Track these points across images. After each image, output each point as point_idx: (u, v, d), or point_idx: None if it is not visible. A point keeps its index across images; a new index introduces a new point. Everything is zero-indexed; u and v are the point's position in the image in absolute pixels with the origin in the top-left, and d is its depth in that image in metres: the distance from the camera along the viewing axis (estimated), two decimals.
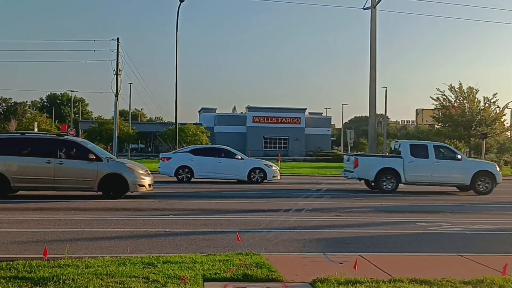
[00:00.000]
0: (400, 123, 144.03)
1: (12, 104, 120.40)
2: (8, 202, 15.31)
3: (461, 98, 63.86)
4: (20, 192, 16.63)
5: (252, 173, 25.08)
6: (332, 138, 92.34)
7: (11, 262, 7.07)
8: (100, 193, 16.56)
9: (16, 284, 6.13)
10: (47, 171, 16.35)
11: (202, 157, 25.22)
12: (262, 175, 25.15)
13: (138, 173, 16.97)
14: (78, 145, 17.40)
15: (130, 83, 72.61)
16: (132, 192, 16.81)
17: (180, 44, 37.29)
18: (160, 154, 29.05)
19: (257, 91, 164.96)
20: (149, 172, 17.91)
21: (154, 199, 16.52)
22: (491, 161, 52.92)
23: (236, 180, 25.33)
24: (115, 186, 16.58)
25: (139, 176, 16.89)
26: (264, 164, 25.92)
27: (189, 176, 24.93)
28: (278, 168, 26.60)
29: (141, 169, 17.51)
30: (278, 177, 25.86)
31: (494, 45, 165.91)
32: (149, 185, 17.22)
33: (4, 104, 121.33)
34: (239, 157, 25.61)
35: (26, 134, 18.77)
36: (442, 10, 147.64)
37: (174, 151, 28.34)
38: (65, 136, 18.63)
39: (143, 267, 7.00)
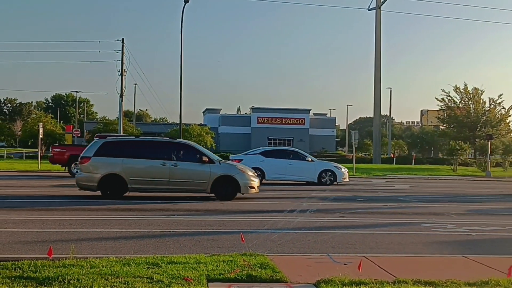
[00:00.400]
0: (405, 124, 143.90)
1: (18, 104, 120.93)
2: (14, 202, 15.37)
3: (466, 99, 63.79)
4: (25, 193, 16.68)
5: (322, 175, 25.33)
6: (336, 139, 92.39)
7: (16, 262, 7.09)
8: (212, 195, 16.90)
9: (21, 283, 6.15)
10: (162, 173, 16.62)
11: (273, 159, 25.55)
12: (332, 177, 25.38)
13: (248, 175, 17.28)
14: (191, 147, 17.70)
15: (135, 84, 73.15)
16: (243, 193, 17.13)
17: (184, 45, 37.33)
18: (231, 156, 29.20)
19: (262, 92, 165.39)
20: (256, 174, 18.27)
21: (157, 199, 16.53)
22: (497, 162, 52.73)
23: (305, 182, 25.55)
24: (227, 188, 16.91)
25: (249, 178, 17.21)
26: (334, 166, 26.16)
27: (261, 177, 24.90)
28: (347, 170, 26.78)
29: (250, 171, 17.83)
30: (347, 179, 26.08)
31: (498, 45, 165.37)
32: (258, 187, 17.52)
33: (9, 105, 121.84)
34: (309, 159, 25.93)
35: (140, 137, 19.08)
36: (446, 10, 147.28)
37: (245, 153, 28.41)
38: (178, 139, 18.88)
39: (148, 267, 7.02)
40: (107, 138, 18.14)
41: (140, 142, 18.00)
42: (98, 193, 16.42)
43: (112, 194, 16.32)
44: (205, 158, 16.93)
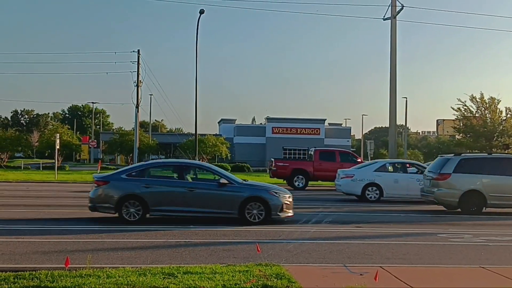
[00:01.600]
0: (420, 133, 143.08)
1: (35, 116, 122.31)
2: (31, 212, 15.50)
3: (483, 108, 63.29)
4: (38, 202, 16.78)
5: None
6: (352, 149, 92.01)
7: (34, 272, 7.16)
8: None
9: None
10: None
11: None
12: None
13: None
14: None
15: (151, 95, 73.32)
16: None
17: (199, 55, 37.48)
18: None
19: (276, 102, 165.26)
20: None
21: None
22: None
23: None
24: None
25: None
26: None
27: None
28: None
29: None
30: None
31: None
32: None
33: (26, 116, 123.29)
34: None
35: (493, 154, 19.57)
36: (459, 19, 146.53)
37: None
38: None
39: (164, 278, 7.05)
40: (462, 155, 18.50)
41: (495, 159, 18.42)
42: None
43: (475, 210, 16.92)
44: None
